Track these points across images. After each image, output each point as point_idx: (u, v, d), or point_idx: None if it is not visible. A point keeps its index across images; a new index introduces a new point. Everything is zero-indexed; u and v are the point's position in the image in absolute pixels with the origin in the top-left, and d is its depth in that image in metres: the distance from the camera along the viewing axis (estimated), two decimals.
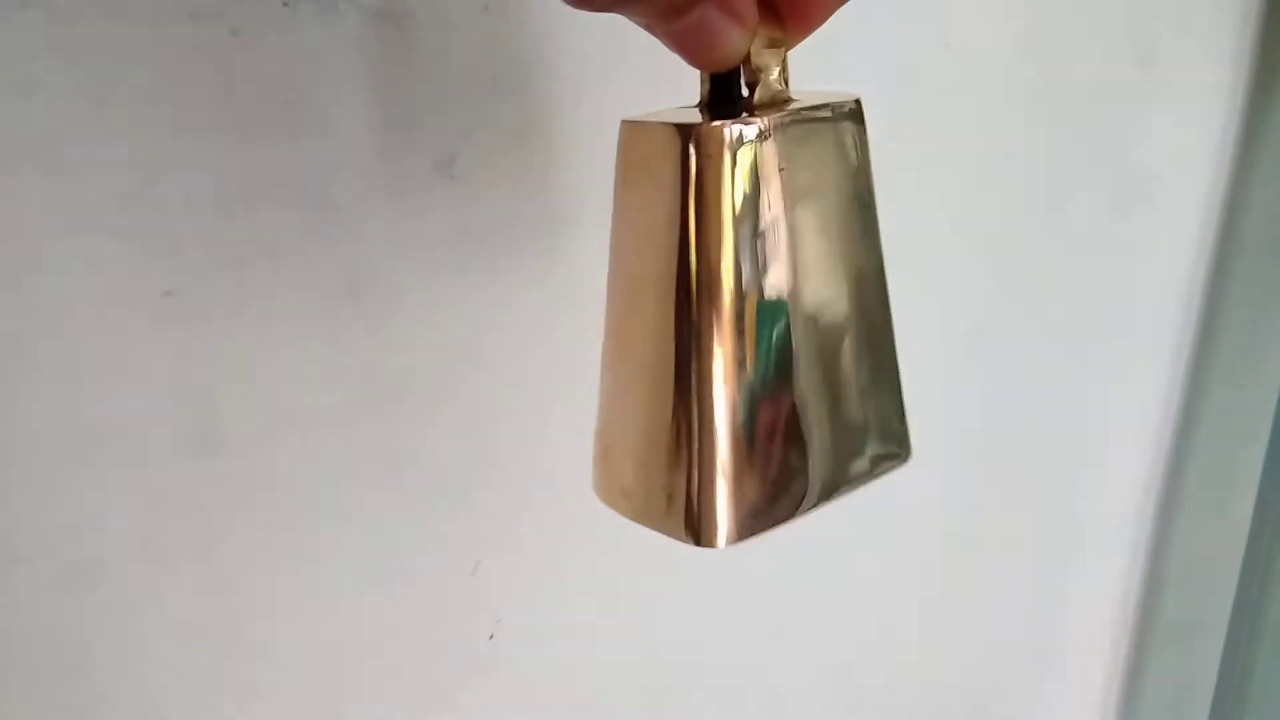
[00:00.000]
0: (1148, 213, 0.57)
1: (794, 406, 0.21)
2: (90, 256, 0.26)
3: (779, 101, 0.21)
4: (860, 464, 0.23)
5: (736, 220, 0.20)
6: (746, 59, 0.21)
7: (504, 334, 0.33)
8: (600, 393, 0.24)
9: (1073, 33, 0.49)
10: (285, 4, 0.26)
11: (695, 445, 0.20)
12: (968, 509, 0.55)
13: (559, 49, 0.31)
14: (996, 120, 0.47)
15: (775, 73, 0.21)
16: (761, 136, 0.20)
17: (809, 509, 0.22)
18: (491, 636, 0.36)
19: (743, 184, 0.20)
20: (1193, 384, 0.67)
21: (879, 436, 0.24)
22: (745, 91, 0.21)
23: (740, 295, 0.20)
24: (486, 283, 0.32)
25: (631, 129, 0.22)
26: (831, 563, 0.49)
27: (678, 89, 0.32)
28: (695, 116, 0.21)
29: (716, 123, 0.20)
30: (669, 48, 0.20)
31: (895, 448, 0.24)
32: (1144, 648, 0.74)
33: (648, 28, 0.19)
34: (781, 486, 0.21)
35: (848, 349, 0.23)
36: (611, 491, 0.23)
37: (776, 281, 0.21)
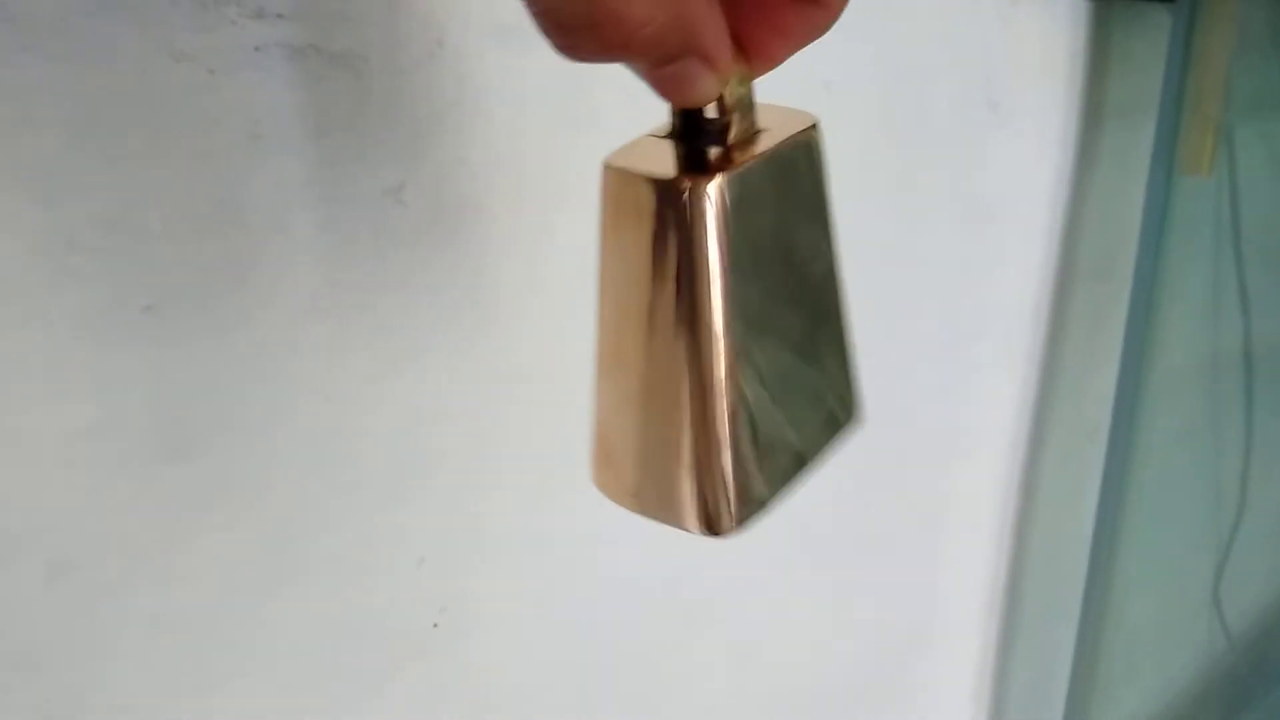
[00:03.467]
0: (996, 232, 0.65)
1: (775, 400, 0.24)
2: (73, 274, 0.28)
3: (749, 135, 0.23)
4: (826, 437, 0.27)
5: (722, 255, 0.22)
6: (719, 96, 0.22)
7: (446, 341, 0.37)
8: (597, 403, 0.26)
9: (929, 79, 0.55)
10: (257, 49, 0.29)
11: (702, 449, 0.23)
12: (842, 505, 0.60)
13: (498, 88, 0.35)
14: (869, 151, 0.53)
15: (746, 106, 0.23)
16: (741, 178, 0.22)
17: (791, 485, 0.26)
18: (435, 625, 0.39)
19: (726, 223, 0.22)
20: (1042, 386, 0.74)
21: (838, 410, 0.28)
22: (715, 117, 0.23)
23: (730, 315, 0.22)
24: (429, 299, 0.36)
25: (619, 178, 0.23)
26: (719, 557, 0.53)
27: (602, 122, 0.37)
28: (670, 155, 0.23)
29: (700, 176, 0.22)
30: (648, 85, 0.21)
31: (852, 416, 0.28)
32: (1011, 627, 0.81)
33: (631, 67, 0.21)
34: (769, 471, 0.24)
35: (813, 343, 0.26)
36: (619, 492, 0.25)
37: (759, 297, 0.23)
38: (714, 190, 0.22)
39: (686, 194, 0.22)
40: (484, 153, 0.35)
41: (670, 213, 0.22)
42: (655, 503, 0.24)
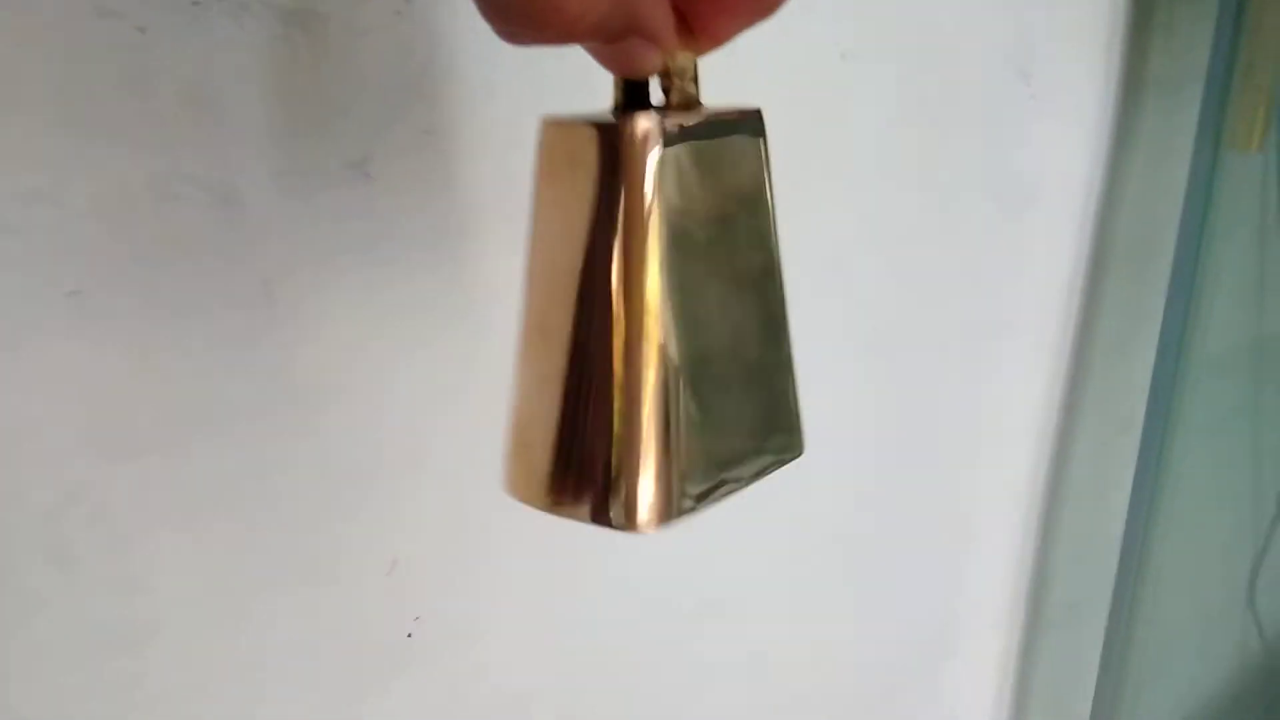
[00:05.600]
0: (1027, 213, 0.61)
1: (706, 397, 0.23)
2: None
3: (691, 105, 0.23)
4: (758, 456, 0.25)
5: (660, 214, 0.21)
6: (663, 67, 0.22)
7: (417, 331, 0.34)
8: (516, 388, 0.24)
9: (958, 48, 0.52)
10: (195, 3, 0.26)
11: (624, 433, 0.21)
12: (867, 502, 0.57)
13: (470, 51, 0.32)
14: (890, 127, 0.49)
15: (689, 76, 0.22)
16: (681, 134, 0.21)
17: (715, 499, 0.24)
18: (410, 635, 0.36)
19: (663, 178, 0.21)
20: (1073, 376, 0.71)
21: (775, 430, 0.25)
22: (659, 93, 0.23)
23: (663, 286, 0.21)
24: (399, 280, 0.33)
25: (554, 128, 0.22)
26: (742, 556, 0.50)
27: (590, 89, 0.33)
28: (610, 115, 0.22)
29: (640, 119, 0.21)
30: (596, 60, 0.21)
31: (790, 443, 0.26)
32: (1035, 627, 0.78)
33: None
34: (693, 474, 0.22)
35: (750, 347, 0.24)
36: (530, 486, 0.23)
37: (692, 271, 0.22)
38: (653, 123, 0.21)
39: (627, 131, 0.21)
40: (456, 121, 0.32)
41: (607, 152, 0.21)
42: (571, 496, 0.22)
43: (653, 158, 0.21)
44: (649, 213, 0.21)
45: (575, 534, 0.41)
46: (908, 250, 0.54)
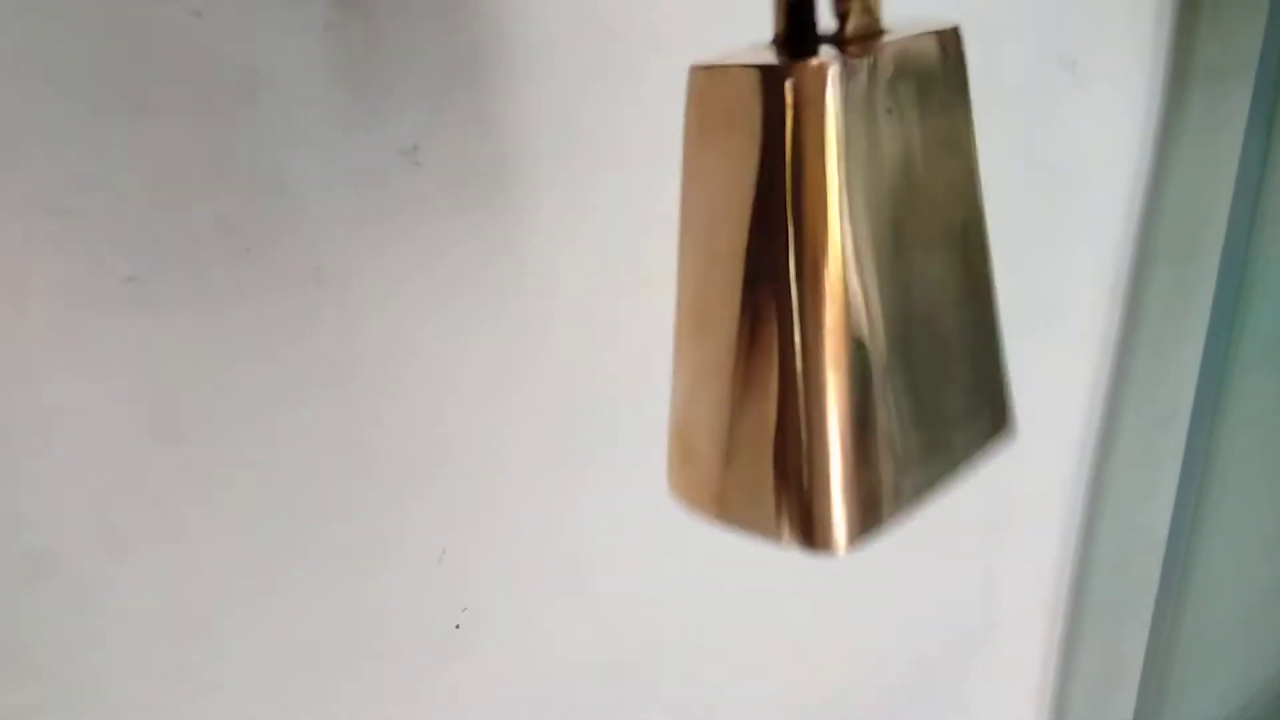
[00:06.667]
0: (1073, 205, 0.60)
1: (902, 387, 0.19)
2: (49, 240, 0.25)
3: (872, 34, 0.19)
4: (967, 442, 0.21)
5: (843, 178, 0.17)
6: None
7: (469, 318, 0.33)
8: (675, 386, 0.21)
9: (1001, 36, 0.51)
10: None
11: (805, 441, 0.18)
12: None
13: (522, 34, 0.31)
14: None
15: None
16: (867, 75, 0.17)
17: (921, 500, 0.20)
18: (458, 626, 0.36)
19: (848, 134, 0.17)
20: (1116, 371, 0.70)
21: (983, 410, 0.21)
22: (833, 22, 0.19)
23: (848, 266, 0.17)
24: (450, 266, 0.33)
25: (708, 76, 0.18)
26: (770, 551, 0.50)
27: (638, 75, 0.33)
28: (773, 54, 0.18)
29: (815, 62, 0.17)
30: None
31: (1000, 422, 0.22)
32: (1075, 627, 0.77)
33: None
34: (892, 478, 0.19)
35: (952, 315, 0.20)
36: (700, 495, 0.20)
37: (885, 246, 0.18)
38: (830, 76, 0.16)
39: (797, 83, 0.16)
40: (508, 108, 0.32)
41: (774, 113, 0.17)
42: (744, 509, 0.19)
43: (832, 110, 0.17)
44: (830, 180, 0.17)
45: (621, 524, 0.40)
46: None
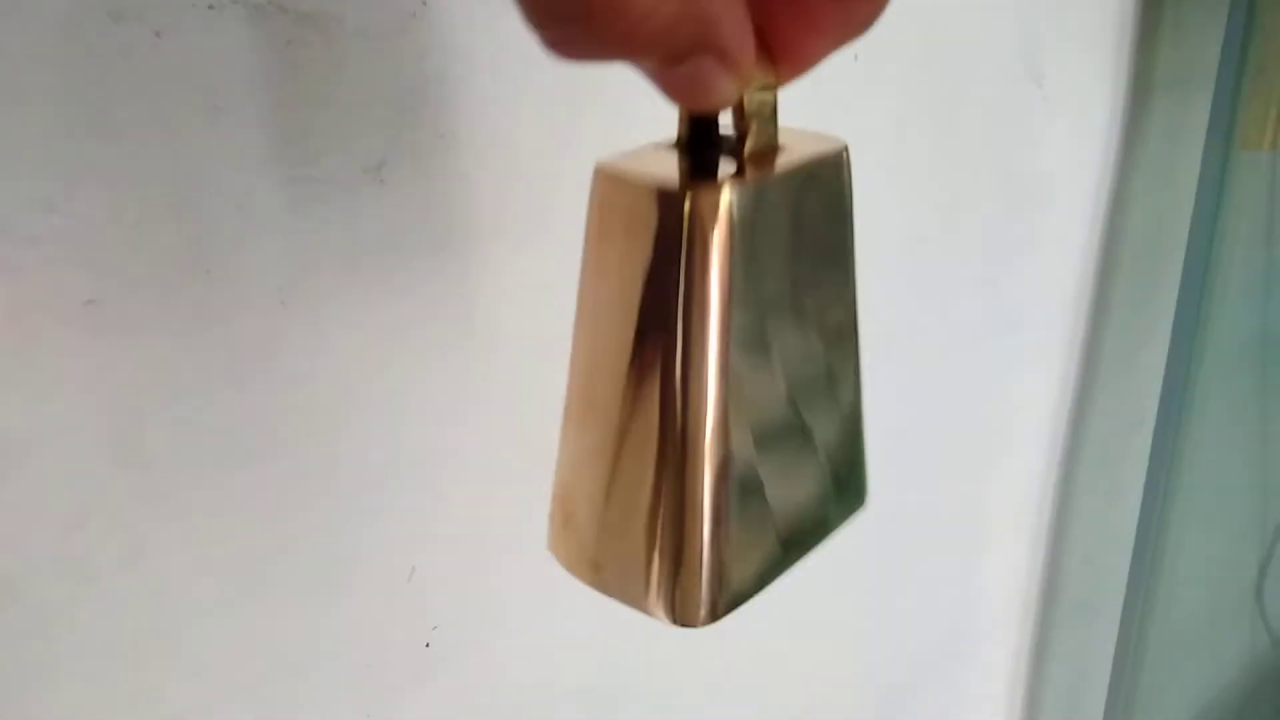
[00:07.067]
0: (1037, 212, 0.61)
1: (769, 475, 0.20)
2: (6, 265, 0.25)
3: (767, 150, 0.20)
4: (823, 518, 0.23)
5: (727, 292, 0.18)
6: (738, 102, 0.19)
7: (432, 334, 0.33)
8: (560, 454, 0.22)
9: (970, 50, 0.51)
10: (210, 7, 0.26)
11: (676, 523, 0.19)
12: (878, 503, 0.57)
13: (487, 55, 0.31)
14: (902, 126, 0.49)
15: (767, 114, 0.20)
16: (756, 194, 0.18)
17: (777, 574, 0.21)
18: (428, 645, 0.36)
19: (736, 252, 0.18)
20: (1084, 378, 0.70)
21: (840, 488, 0.23)
22: (730, 125, 0.20)
23: (726, 369, 0.19)
24: (414, 285, 0.32)
25: (610, 184, 0.20)
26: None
27: (610, 99, 0.33)
28: (675, 166, 0.19)
29: (710, 187, 0.18)
30: (657, 89, 0.18)
31: (856, 496, 0.24)
32: (1047, 627, 0.78)
33: (638, 68, 0.18)
34: (754, 554, 0.20)
35: (820, 409, 0.22)
36: (577, 561, 0.22)
37: (763, 349, 0.20)
38: (723, 203, 0.18)
39: (689, 204, 0.18)
40: (472, 127, 0.32)
41: (668, 226, 0.18)
42: (617, 579, 0.20)
43: (721, 234, 0.18)
44: (715, 294, 0.18)
45: None
46: (918, 251, 0.53)
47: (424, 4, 0.30)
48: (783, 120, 0.20)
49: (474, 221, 0.33)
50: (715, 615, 0.20)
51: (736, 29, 0.17)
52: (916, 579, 0.63)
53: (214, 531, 0.30)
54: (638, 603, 0.20)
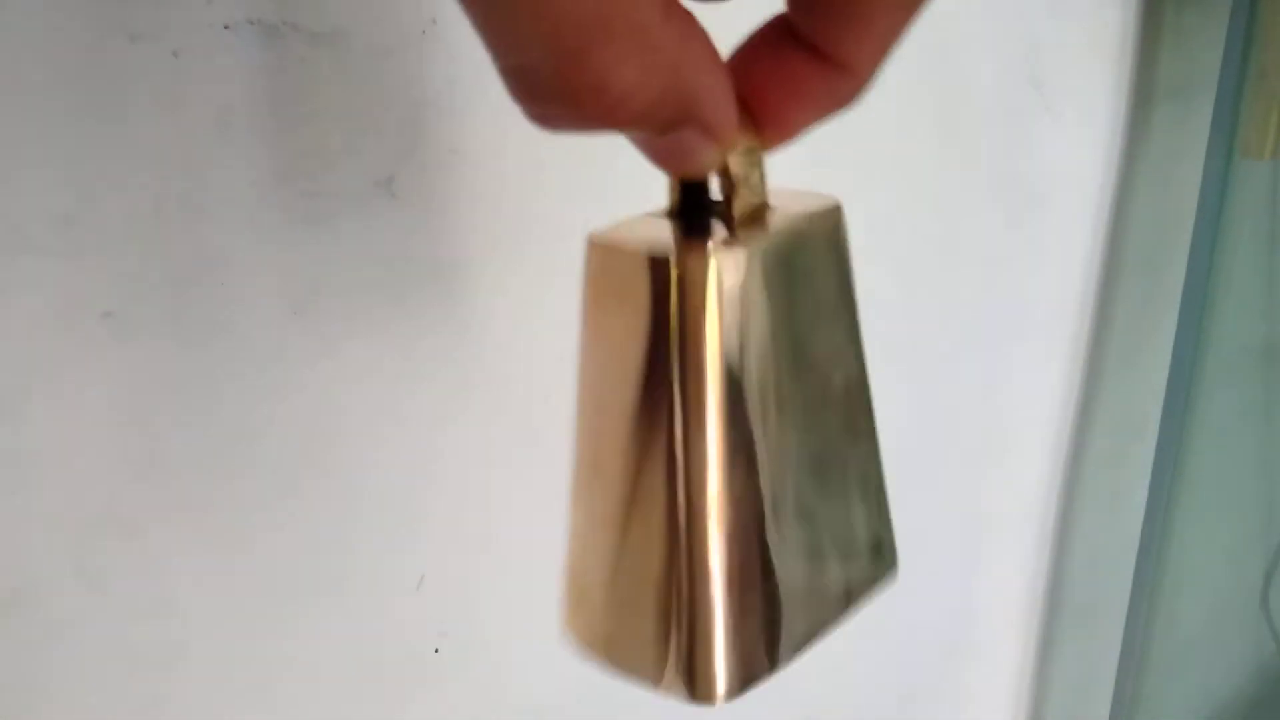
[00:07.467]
0: (1042, 221, 0.61)
1: (786, 542, 0.20)
2: (26, 278, 0.25)
3: (758, 212, 0.20)
4: (850, 587, 0.22)
5: (723, 350, 0.18)
6: (723, 166, 0.19)
7: (443, 345, 0.34)
8: (571, 527, 0.21)
9: (970, 57, 0.52)
10: (226, 27, 0.26)
11: (688, 597, 0.18)
12: None
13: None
14: (902, 134, 0.50)
15: (755, 178, 0.19)
16: (750, 257, 0.18)
17: (806, 646, 0.21)
18: (437, 650, 0.36)
19: (727, 313, 0.18)
20: (1087, 383, 0.71)
21: (867, 555, 0.23)
22: (719, 196, 0.20)
23: (731, 429, 0.18)
24: (423, 298, 0.33)
25: (602, 253, 0.19)
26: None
27: None
28: (667, 232, 0.19)
29: (699, 252, 0.18)
30: (643, 155, 0.18)
31: (883, 563, 0.23)
32: (1052, 631, 0.78)
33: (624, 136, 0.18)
34: (774, 629, 0.20)
35: (835, 471, 0.21)
36: (591, 639, 0.21)
37: (766, 412, 0.19)
38: (711, 267, 0.18)
39: (677, 270, 0.18)
40: (483, 141, 0.32)
41: (659, 292, 0.18)
42: (630, 657, 0.20)
43: (711, 298, 0.18)
44: (711, 358, 0.18)
45: None
46: (919, 258, 0.54)
47: (434, 22, 0.30)
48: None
49: (484, 235, 0.33)
50: (732, 693, 0.19)
51: (719, 102, 0.17)
52: (920, 583, 0.64)
53: (225, 540, 0.30)
54: (652, 681, 0.19)
